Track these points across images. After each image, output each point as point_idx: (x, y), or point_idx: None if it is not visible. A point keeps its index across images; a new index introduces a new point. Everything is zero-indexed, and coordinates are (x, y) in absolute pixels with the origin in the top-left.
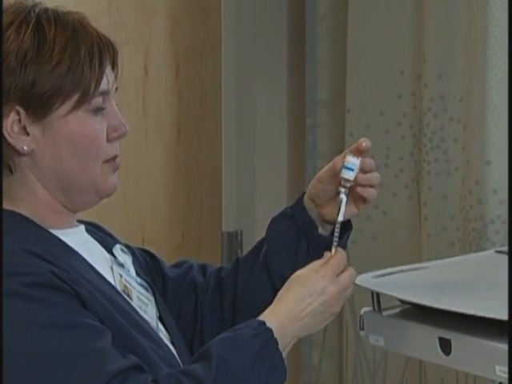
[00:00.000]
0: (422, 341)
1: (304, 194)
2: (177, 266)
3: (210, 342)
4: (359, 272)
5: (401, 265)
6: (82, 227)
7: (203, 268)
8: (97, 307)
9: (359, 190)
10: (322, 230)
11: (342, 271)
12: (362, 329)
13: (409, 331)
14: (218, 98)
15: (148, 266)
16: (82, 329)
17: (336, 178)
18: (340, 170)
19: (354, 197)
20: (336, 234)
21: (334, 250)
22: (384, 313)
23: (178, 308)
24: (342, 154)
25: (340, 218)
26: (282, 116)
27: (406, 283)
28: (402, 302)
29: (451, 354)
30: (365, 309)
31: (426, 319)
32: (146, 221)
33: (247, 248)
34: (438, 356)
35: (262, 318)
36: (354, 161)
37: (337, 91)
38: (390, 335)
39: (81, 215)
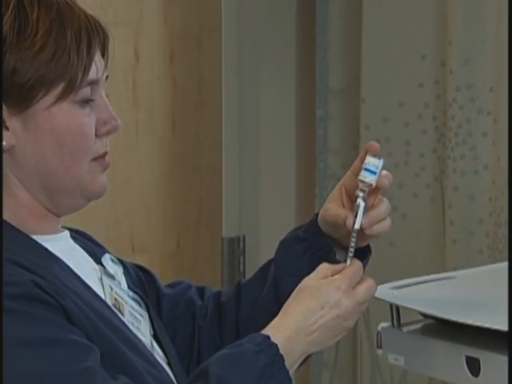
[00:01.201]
0: (447, 360)
1: (317, 214)
2: (172, 285)
3: (208, 360)
4: (376, 283)
5: (422, 275)
6: (67, 233)
7: (201, 290)
8: (84, 322)
9: (367, 231)
10: (339, 256)
11: (359, 282)
12: (379, 347)
13: (432, 349)
14: (218, 87)
15: (140, 280)
16: (68, 346)
17: (347, 198)
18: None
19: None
20: (352, 244)
21: (348, 261)
22: (404, 328)
23: (173, 331)
24: (354, 164)
25: (357, 226)
26: (290, 107)
27: (428, 295)
28: (425, 316)
29: (480, 375)
30: (382, 324)
31: (452, 336)
32: (137, 225)
33: (250, 256)
34: (465, 377)
35: (266, 332)
36: (375, 162)
37: (350, 79)
38: (411, 354)
39: (63, 220)
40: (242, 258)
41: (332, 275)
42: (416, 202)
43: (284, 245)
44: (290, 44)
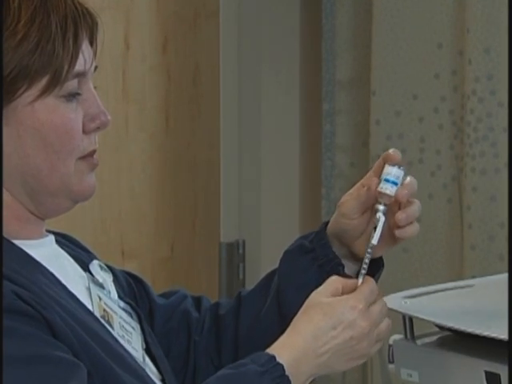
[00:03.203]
0: (465, 376)
1: (326, 223)
2: (166, 295)
3: (207, 380)
4: (388, 292)
5: (438, 283)
6: (52, 238)
7: (197, 301)
8: (69, 336)
9: (398, 232)
10: (348, 270)
11: (374, 302)
12: (391, 361)
13: (448, 364)
14: (215, 79)
15: (132, 289)
16: (52, 364)
17: (365, 206)
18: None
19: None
20: (366, 261)
21: (361, 278)
22: (418, 341)
23: (167, 345)
24: (369, 175)
25: (374, 242)
26: (293, 101)
27: (444, 305)
28: (441, 328)
29: None
30: (395, 336)
31: (470, 349)
32: (127, 229)
33: (251, 262)
34: None
35: (271, 351)
36: (396, 172)
37: (359, 70)
38: (426, 369)
39: (47, 223)
40: (241, 265)
41: (343, 291)
42: (432, 203)
43: (289, 255)
44: (294, 31)
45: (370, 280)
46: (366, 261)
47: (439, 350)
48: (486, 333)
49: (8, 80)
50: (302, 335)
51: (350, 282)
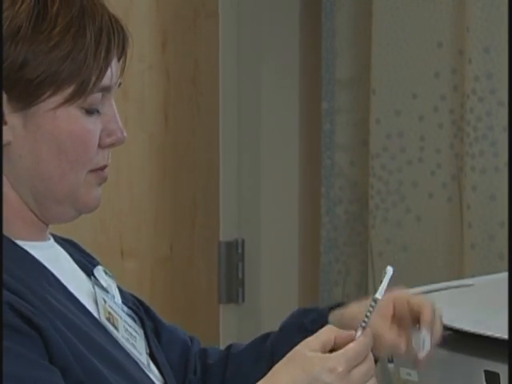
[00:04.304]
0: (465, 375)
1: (330, 308)
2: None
3: None
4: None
5: (438, 282)
6: (52, 241)
7: (190, 339)
8: (62, 348)
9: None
10: None
11: (358, 363)
12: (390, 361)
13: (448, 363)
14: (215, 78)
15: (135, 305)
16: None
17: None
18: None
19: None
20: (368, 314)
21: (359, 332)
22: None
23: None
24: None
25: (379, 296)
26: (293, 99)
27: (444, 304)
28: None
29: None
30: None
31: (470, 349)
32: (126, 228)
33: (250, 262)
34: None
35: None
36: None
37: (359, 69)
38: (425, 368)
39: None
40: (240, 264)
41: (336, 342)
42: (431, 202)
43: (287, 331)
44: (294, 30)
45: (363, 340)
46: (368, 314)
47: (439, 349)
48: (485, 332)
49: (34, 84)
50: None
51: (345, 333)
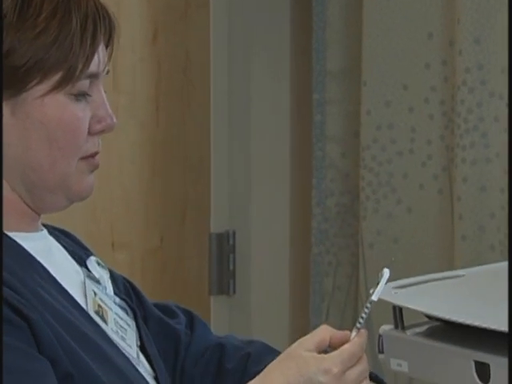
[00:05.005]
0: (455, 366)
1: None
2: (159, 307)
3: None
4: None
5: (429, 273)
6: (45, 232)
7: (190, 319)
8: (51, 340)
9: None
10: None
11: (353, 365)
12: (380, 351)
13: (438, 354)
14: (206, 68)
15: (128, 292)
16: (19, 376)
17: None
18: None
19: None
20: (363, 315)
21: (354, 333)
22: (408, 332)
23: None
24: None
25: (374, 298)
26: (284, 90)
27: (434, 295)
28: (430, 318)
29: (490, 382)
30: (384, 327)
31: (460, 339)
32: (117, 220)
33: (241, 253)
34: None
35: None
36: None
37: (350, 60)
38: (416, 359)
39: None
40: (231, 256)
41: (331, 342)
42: (422, 194)
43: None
44: (285, 22)
45: (358, 341)
46: (363, 315)
47: (429, 340)
48: (475, 323)
49: (22, 71)
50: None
51: (341, 333)
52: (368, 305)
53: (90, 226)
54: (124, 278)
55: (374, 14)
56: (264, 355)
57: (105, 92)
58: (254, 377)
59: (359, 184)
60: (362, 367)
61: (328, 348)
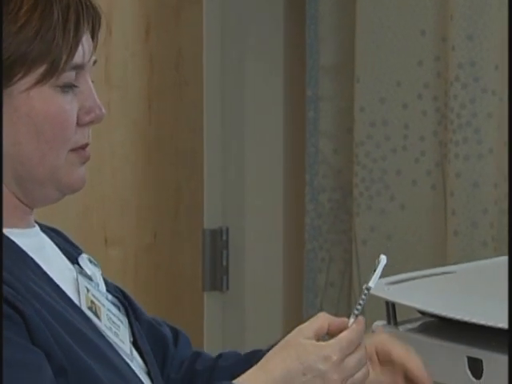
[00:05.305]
0: (447, 361)
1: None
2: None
3: None
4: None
5: (422, 269)
6: (38, 228)
7: (175, 334)
8: (45, 334)
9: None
10: None
11: (351, 352)
12: None
13: (431, 350)
14: (199, 64)
15: (118, 293)
16: (21, 368)
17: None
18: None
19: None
20: (361, 302)
21: (352, 319)
22: (401, 327)
23: None
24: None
25: (371, 285)
26: (277, 86)
27: (427, 291)
28: (423, 313)
29: (483, 378)
30: (378, 322)
31: (452, 335)
32: (110, 216)
33: (234, 249)
34: (466, 380)
35: (241, 379)
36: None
37: (343, 56)
38: None
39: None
40: (225, 252)
41: (329, 329)
42: (415, 189)
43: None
44: (278, 17)
45: (356, 328)
46: (361, 302)
47: (422, 335)
48: (468, 319)
49: (6, 65)
50: (272, 375)
51: (339, 320)
52: (365, 291)
53: (82, 223)
54: (116, 287)
55: (367, 9)
56: (235, 355)
57: (92, 82)
58: (222, 371)
59: (352, 180)
60: (361, 354)
61: (326, 335)
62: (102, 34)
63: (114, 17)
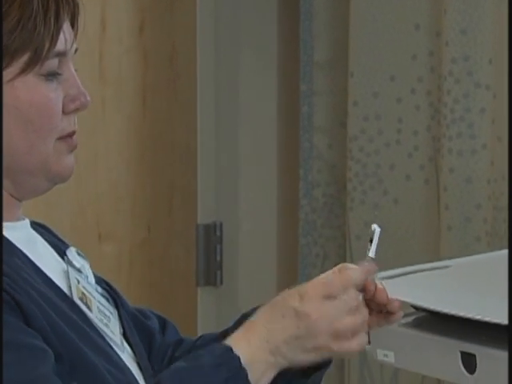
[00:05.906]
0: (441, 356)
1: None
2: (137, 311)
3: (160, 374)
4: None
5: (415, 264)
6: (27, 222)
7: (163, 324)
8: (40, 320)
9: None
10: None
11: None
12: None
13: (424, 344)
14: (193, 59)
15: (106, 284)
16: (23, 351)
17: None
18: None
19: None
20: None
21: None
22: None
23: None
24: None
25: (371, 255)
26: (271, 81)
27: (421, 286)
28: (417, 308)
29: (476, 372)
30: None
31: (446, 330)
32: (104, 211)
33: (228, 244)
34: (460, 374)
35: (228, 342)
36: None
37: (337, 51)
38: (402, 350)
39: (24, 209)
40: (218, 247)
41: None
42: (408, 184)
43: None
44: (272, 12)
45: (345, 271)
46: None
47: (415, 330)
48: (462, 313)
49: None
50: (258, 327)
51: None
52: (366, 263)
53: (76, 218)
54: (103, 280)
55: (360, 4)
56: (214, 334)
57: (76, 71)
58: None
59: (346, 175)
60: (346, 300)
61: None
62: (90, 26)
63: (108, 12)
